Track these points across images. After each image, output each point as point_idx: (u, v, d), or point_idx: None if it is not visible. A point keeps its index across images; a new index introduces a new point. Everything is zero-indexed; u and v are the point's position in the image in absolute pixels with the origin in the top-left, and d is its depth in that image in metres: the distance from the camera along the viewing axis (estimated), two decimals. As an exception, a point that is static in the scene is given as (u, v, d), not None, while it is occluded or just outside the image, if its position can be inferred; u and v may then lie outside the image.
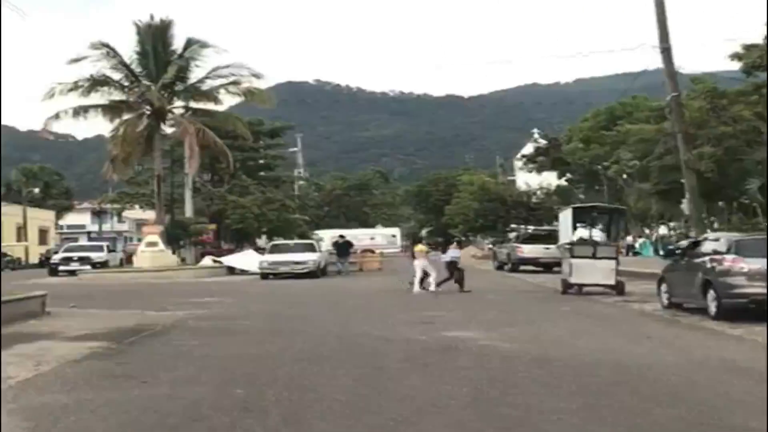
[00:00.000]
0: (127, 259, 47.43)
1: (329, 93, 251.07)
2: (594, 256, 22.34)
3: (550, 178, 67.80)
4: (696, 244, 18.35)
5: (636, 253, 50.12)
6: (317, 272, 35.70)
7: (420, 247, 26.75)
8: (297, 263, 35.41)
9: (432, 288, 24.40)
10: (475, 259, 69.76)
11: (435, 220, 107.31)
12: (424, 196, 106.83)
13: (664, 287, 18.12)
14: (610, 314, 17.31)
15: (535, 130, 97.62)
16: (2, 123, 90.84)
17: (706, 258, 16.11)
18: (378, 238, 58.97)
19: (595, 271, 22.15)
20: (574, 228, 23.40)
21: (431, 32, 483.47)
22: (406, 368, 9.90)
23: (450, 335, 13.21)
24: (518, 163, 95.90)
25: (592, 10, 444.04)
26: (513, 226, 45.21)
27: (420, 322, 15.37)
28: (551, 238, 39.66)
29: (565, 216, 24.07)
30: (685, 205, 30.16)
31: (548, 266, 37.58)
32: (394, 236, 72.74)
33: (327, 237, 54.13)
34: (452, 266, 25.00)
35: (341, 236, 42.96)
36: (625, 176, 51.06)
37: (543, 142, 62.51)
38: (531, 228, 41.35)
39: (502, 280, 32.45)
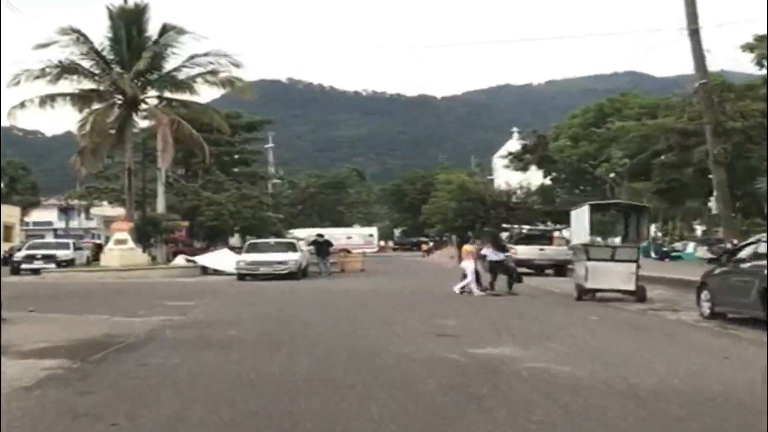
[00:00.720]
0: (94, 257, 44.56)
1: (302, 92, 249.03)
2: (612, 259, 20.19)
3: (531, 177, 65.91)
4: (741, 247, 16.17)
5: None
6: (299, 273, 33.37)
7: (468, 247, 24.99)
8: (278, 263, 33.04)
9: (456, 290, 23.11)
10: (452, 259, 67.60)
11: (411, 219, 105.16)
12: (401, 195, 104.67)
13: (705, 295, 15.95)
14: (652, 325, 15.08)
15: (515, 129, 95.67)
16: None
17: (761, 263, 13.96)
18: (355, 237, 56.54)
19: (614, 275, 19.98)
20: (591, 227, 21.17)
21: (405, 32, 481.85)
22: (456, 404, 7.56)
23: (483, 352, 10.93)
24: (498, 162, 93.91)
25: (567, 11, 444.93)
26: (505, 225, 42.97)
27: (437, 333, 13.13)
28: (545, 238, 37.75)
29: (580, 214, 21.76)
30: (712, 203, 27.91)
31: (541, 268, 35.59)
32: (371, 236, 70.53)
33: (302, 236, 51.71)
34: (499, 267, 23.77)
35: (320, 235, 40.60)
36: (613, 175, 49.04)
37: (525, 140, 60.29)
38: (525, 228, 39.09)
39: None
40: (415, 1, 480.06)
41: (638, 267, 20.17)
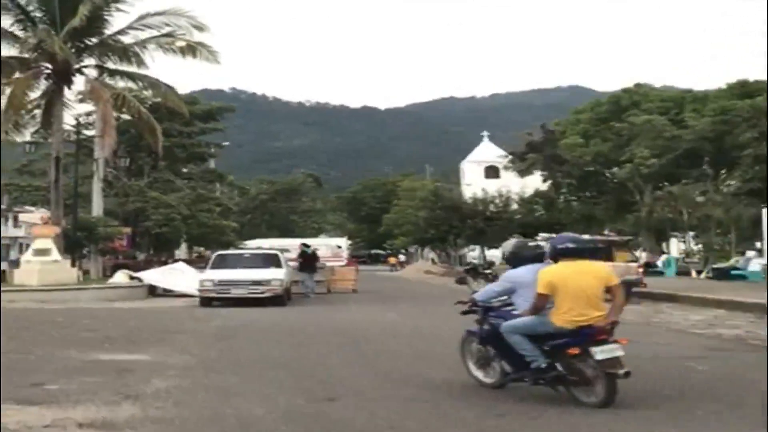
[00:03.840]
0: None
1: (245, 102, 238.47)
2: None
3: (510, 184, 58.04)
4: None
5: (658, 273, 38.59)
6: (284, 296, 23.74)
7: None
8: (256, 283, 23.33)
9: None
10: (430, 275, 58.15)
11: (368, 231, 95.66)
12: (358, 204, 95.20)
13: None
14: None
15: (485, 133, 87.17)
16: None
17: None
18: (322, 249, 46.73)
19: None
20: None
21: (352, 44, 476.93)
22: None
23: None
24: (468, 168, 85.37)
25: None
26: (544, 235, 33.50)
27: None
28: (603, 252, 28.30)
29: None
30: None
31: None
32: (339, 247, 60.76)
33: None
34: None
35: (306, 245, 30.84)
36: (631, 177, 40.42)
37: (531, 137, 51.32)
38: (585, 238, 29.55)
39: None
40: (363, 14, 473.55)
41: None
